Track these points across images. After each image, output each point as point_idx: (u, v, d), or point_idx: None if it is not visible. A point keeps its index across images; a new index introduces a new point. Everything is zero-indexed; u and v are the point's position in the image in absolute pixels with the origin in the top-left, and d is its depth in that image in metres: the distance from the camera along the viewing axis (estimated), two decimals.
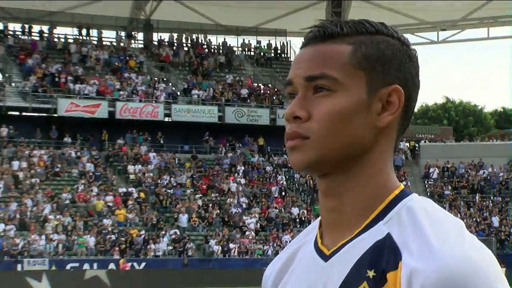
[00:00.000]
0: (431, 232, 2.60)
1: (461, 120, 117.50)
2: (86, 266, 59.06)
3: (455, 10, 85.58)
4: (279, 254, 3.15)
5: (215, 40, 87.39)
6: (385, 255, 2.63)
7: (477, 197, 70.25)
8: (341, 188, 2.76)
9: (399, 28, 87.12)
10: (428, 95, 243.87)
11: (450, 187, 71.03)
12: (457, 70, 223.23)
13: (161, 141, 73.71)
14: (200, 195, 67.89)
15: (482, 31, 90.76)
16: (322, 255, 2.78)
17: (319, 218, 2.95)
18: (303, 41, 2.78)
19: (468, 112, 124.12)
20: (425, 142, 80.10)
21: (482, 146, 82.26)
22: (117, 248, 60.05)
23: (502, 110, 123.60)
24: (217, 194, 68.34)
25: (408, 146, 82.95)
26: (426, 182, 73.31)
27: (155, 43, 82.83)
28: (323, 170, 2.73)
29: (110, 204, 63.61)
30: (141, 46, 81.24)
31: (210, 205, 66.64)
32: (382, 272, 2.61)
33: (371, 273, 2.64)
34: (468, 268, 2.51)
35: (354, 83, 2.65)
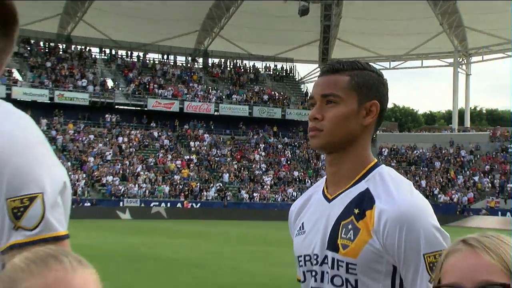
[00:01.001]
0: (393, 188, 2.89)
1: (403, 118, 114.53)
2: (163, 204, 58.04)
3: (400, 48, 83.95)
4: (298, 198, 3.35)
5: (248, 63, 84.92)
6: (365, 200, 2.87)
7: (412, 168, 68.67)
8: (339, 160, 3.01)
9: (366, 59, 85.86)
10: None
11: (395, 161, 69.81)
12: (402, 87, 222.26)
13: (212, 127, 72.49)
14: (236, 162, 67.66)
15: (418, 62, 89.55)
16: (327, 199, 3.02)
17: (325, 177, 3.20)
18: (320, 72, 3.13)
19: (407, 113, 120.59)
20: (380, 132, 79.47)
21: (416, 136, 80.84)
22: (182, 194, 59.74)
23: (429, 112, 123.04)
24: (246, 162, 68.09)
25: None
26: (379, 158, 72.49)
27: (210, 64, 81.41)
28: (330, 150, 2.99)
29: (179, 166, 63.14)
30: (201, 66, 79.81)
31: (242, 168, 66.41)
32: (363, 211, 2.85)
33: (356, 211, 2.88)
34: (414, 209, 2.81)
35: (350, 99, 2.95)
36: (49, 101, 62.59)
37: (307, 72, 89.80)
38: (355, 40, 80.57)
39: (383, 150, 73.09)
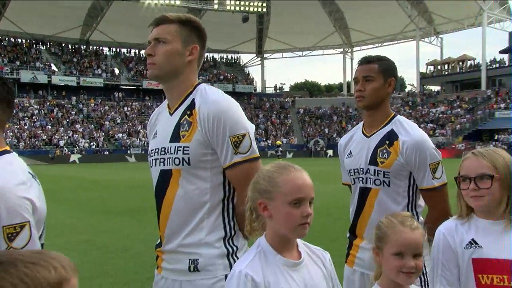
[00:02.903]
0: (407, 127, 2.99)
1: (311, 89, 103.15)
2: None
3: (309, 42, 79.43)
4: (343, 137, 3.33)
5: (208, 55, 77.40)
6: (392, 136, 2.96)
7: (319, 121, 67.25)
8: (374, 115, 3.05)
9: (287, 50, 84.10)
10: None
11: (307, 117, 68.71)
12: (310, 68, 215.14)
13: None
14: None
15: (320, 51, 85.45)
16: (365, 135, 3.06)
17: (362, 122, 3.19)
18: (358, 62, 3.10)
19: (314, 85, 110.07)
20: (297, 98, 77.98)
21: (320, 99, 76.32)
22: None
23: (328, 84, 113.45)
24: None
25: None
26: (297, 115, 70.52)
27: None
28: (368, 109, 3.04)
29: None
30: None
31: None
32: (392, 141, 2.95)
33: (387, 142, 2.97)
34: (422, 140, 2.92)
35: (379, 78, 2.96)
36: (76, 85, 61.05)
37: (248, 59, 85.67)
38: (280, 37, 77.85)
39: (300, 109, 71.12)
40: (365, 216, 2.91)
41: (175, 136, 2.43)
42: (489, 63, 64.71)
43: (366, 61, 2.98)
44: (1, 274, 1.07)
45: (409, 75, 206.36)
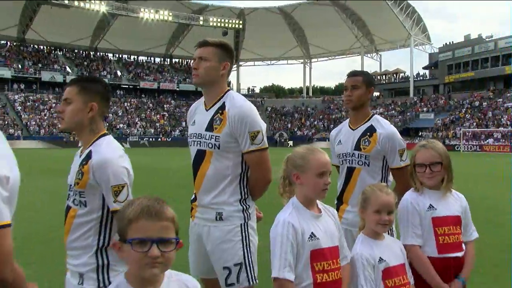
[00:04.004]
0: (383, 123, 3.03)
1: (278, 91, 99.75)
2: (146, 139, 52.70)
3: (276, 53, 78.25)
4: (334, 129, 3.33)
5: None
6: (372, 129, 3.01)
7: (283, 117, 65.26)
8: (358, 115, 3.06)
9: (257, 59, 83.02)
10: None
11: (274, 114, 65.72)
12: (276, 75, 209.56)
13: (175, 96, 66.18)
14: None
15: (285, 61, 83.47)
16: (351, 129, 3.11)
17: (348, 119, 3.18)
18: (347, 75, 3.08)
19: (280, 88, 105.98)
20: (265, 98, 76.95)
21: (285, 100, 74.39)
22: (160, 133, 55.56)
23: (291, 87, 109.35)
24: None
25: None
26: (266, 112, 67.60)
27: (174, 62, 76.14)
28: (354, 108, 3.03)
29: (158, 118, 59.09)
30: (168, 63, 76.53)
31: None
32: (372, 133, 2.99)
33: (368, 133, 3.01)
34: (394, 132, 2.98)
35: (363, 86, 3.01)
36: None
37: None
38: (252, 49, 76.11)
39: (268, 108, 69.65)
40: (350, 187, 3.05)
41: (210, 127, 2.60)
42: (415, 76, 66.39)
43: (353, 74, 3.12)
44: None
45: None
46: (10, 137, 45.47)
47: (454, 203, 2.58)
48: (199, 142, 2.65)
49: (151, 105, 63.33)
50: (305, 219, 2.15)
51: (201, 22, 65.75)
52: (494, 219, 8.12)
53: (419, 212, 2.50)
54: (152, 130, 56.44)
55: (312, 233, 2.12)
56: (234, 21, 68.09)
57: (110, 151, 2.14)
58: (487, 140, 44.70)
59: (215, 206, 2.59)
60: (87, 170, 2.10)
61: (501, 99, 51.31)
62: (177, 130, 58.28)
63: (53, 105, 54.80)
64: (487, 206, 9.49)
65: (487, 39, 56.67)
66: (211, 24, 65.99)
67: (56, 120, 51.91)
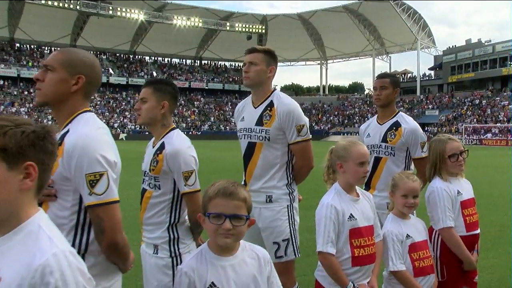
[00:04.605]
0: (407, 120, 3.08)
1: (297, 90, 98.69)
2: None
3: (295, 55, 76.90)
4: (364, 123, 3.38)
5: (220, 63, 75.95)
6: (398, 124, 3.06)
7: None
8: (387, 111, 3.06)
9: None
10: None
11: None
12: (297, 75, 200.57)
13: (203, 95, 67.94)
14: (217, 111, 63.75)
15: (303, 62, 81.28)
16: (379, 123, 3.14)
17: (376, 115, 3.18)
18: (376, 77, 3.09)
19: (299, 87, 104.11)
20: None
21: (303, 97, 73.85)
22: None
23: (309, 86, 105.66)
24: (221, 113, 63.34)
25: None
26: None
27: (204, 63, 74.15)
28: (382, 106, 3.02)
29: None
30: (197, 64, 73.89)
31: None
32: (397, 128, 3.04)
33: (394, 128, 3.06)
34: (416, 127, 2.98)
35: (391, 88, 2.96)
36: (126, 83, 61.51)
37: None
38: (275, 51, 65.72)
39: None
40: (377, 175, 3.07)
41: (259, 122, 2.69)
42: (421, 76, 66.86)
43: (382, 76, 3.17)
44: None
45: (366, 82, 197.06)
46: None
47: (469, 187, 2.74)
48: (249, 136, 2.73)
49: (183, 102, 63.54)
50: (345, 202, 2.23)
51: (227, 28, 67.03)
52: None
53: (452, 198, 2.59)
54: (184, 125, 56.57)
55: (351, 214, 2.20)
56: (257, 27, 68.88)
57: (180, 143, 2.25)
58: (486, 135, 45.70)
59: (266, 190, 2.66)
60: (162, 159, 2.22)
61: (498, 98, 52.57)
62: (206, 125, 59.04)
63: (98, 102, 56.06)
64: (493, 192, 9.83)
65: (486, 43, 58.17)
66: (236, 29, 67.12)
67: (101, 116, 52.30)
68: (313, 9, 70.71)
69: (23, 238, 1.10)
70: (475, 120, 50.09)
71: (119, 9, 59.29)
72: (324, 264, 2.21)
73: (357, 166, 2.22)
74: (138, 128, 52.85)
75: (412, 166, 3.16)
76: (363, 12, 66.21)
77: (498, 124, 46.49)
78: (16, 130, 1.09)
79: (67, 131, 1.70)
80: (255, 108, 2.79)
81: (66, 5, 55.64)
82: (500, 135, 44.71)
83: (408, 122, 3.15)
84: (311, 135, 2.77)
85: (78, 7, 56.71)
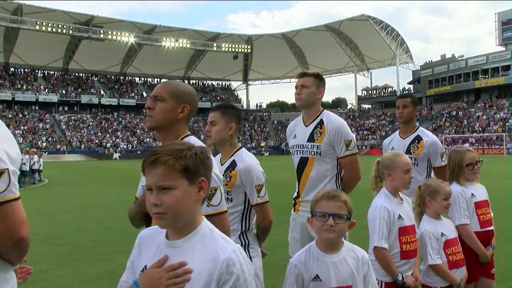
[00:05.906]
0: (427, 133, 3.26)
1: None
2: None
3: (282, 72, 77.14)
4: (387, 137, 3.48)
5: (206, 82, 75.87)
6: (419, 138, 3.20)
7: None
8: (408, 127, 3.23)
9: (265, 78, 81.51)
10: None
11: None
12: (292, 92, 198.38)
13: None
14: None
15: (292, 79, 76.74)
16: (402, 138, 3.24)
17: (398, 131, 3.34)
18: (398, 96, 3.24)
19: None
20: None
21: (294, 114, 68.69)
22: None
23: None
24: None
25: None
26: None
27: (191, 83, 69.79)
28: (405, 122, 3.17)
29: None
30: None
31: None
32: (419, 140, 3.18)
33: (416, 141, 3.15)
34: (435, 140, 3.13)
35: (411, 106, 3.13)
36: (117, 104, 61.91)
37: (237, 85, 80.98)
38: (259, 70, 76.97)
39: (274, 121, 67.84)
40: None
41: (311, 139, 2.83)
42: (401, 90, 67.29)
43: (404, 96, 3.37)
44: None
45: (349, 97, 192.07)
46: (57, 151, 47.72)
47: (482, 190, 2.92)
48: (302, 151, 2.86)
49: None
50: (394, 204, 2.42)
51: (214, 48, 67.50)
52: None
53: (466, 199, 2.79)
54: None
55: (399, 215, 2.39)
56: (243, 46, 69.52)
57: (251, 160, 2.42)
58: (464, 145, 46.13)
59: None
60: (235, 174, 2.37)
61: (473, 109, 54.45)
62: None
63: (91, 123, 56.84)
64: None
65: (459, 58, 60.24)
66: (223, 49, 67.64)
67: (94, 136, 53.10)
68: (296, 28, 72.63)
69: (199, 239, 1.29)
70: (453, 131, 51.41)
71: (109, 32, 60.19)
72: (379, 258, 2.39)
73: (403, 173, 2.45)
74: (130, 148, 53.44)
75: (432, 174, 3.36)
76: (344, 30, 67.91)
77: (474, 134, 48.13)
78: (191, 152, 1.26)
79: None
80: (306, 126, 2.95)
81: (59, 30, 56.49)
82: (477, 144, 46.08)
83: (428, 135, 3.39)
84: (357, 149, 2.94)
85: (70, 31, 57.64)
